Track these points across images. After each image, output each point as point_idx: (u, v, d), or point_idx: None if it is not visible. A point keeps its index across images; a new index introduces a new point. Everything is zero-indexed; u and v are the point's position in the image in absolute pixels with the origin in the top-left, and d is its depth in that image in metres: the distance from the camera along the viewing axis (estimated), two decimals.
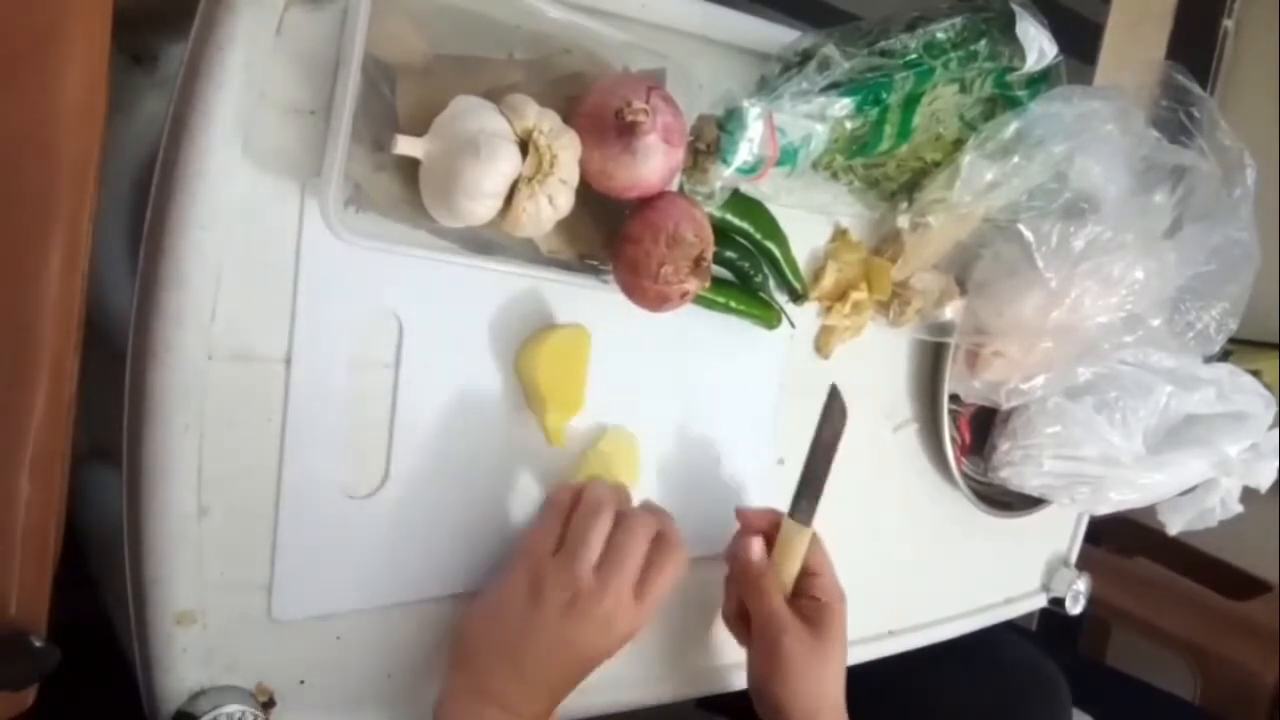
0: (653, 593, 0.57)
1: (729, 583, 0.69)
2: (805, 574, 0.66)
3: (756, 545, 0.65)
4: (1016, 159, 0.67)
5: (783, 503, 0.74)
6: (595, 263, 0.57)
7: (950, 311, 0.76)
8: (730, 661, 0.73)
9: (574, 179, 0.51)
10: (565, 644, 0.55)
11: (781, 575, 0.65)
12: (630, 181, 0.52)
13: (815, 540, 0.67)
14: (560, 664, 0.55)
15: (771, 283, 0.68)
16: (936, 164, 0.69)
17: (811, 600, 0.66)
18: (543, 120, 0.49)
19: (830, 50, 0.59)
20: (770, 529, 0.67)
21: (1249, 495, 0.91)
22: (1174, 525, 0.92)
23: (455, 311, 0.56)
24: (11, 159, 0.44)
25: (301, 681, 0.55)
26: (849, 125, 0.60)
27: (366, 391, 0.54)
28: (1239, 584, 1.57)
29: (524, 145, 0.48)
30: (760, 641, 0.65)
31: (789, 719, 0.63)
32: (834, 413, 0.66)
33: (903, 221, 0.71)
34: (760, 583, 0.65)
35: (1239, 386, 0.89)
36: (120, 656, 0.54)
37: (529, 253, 0.55)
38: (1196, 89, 0.75)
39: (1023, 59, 0.66)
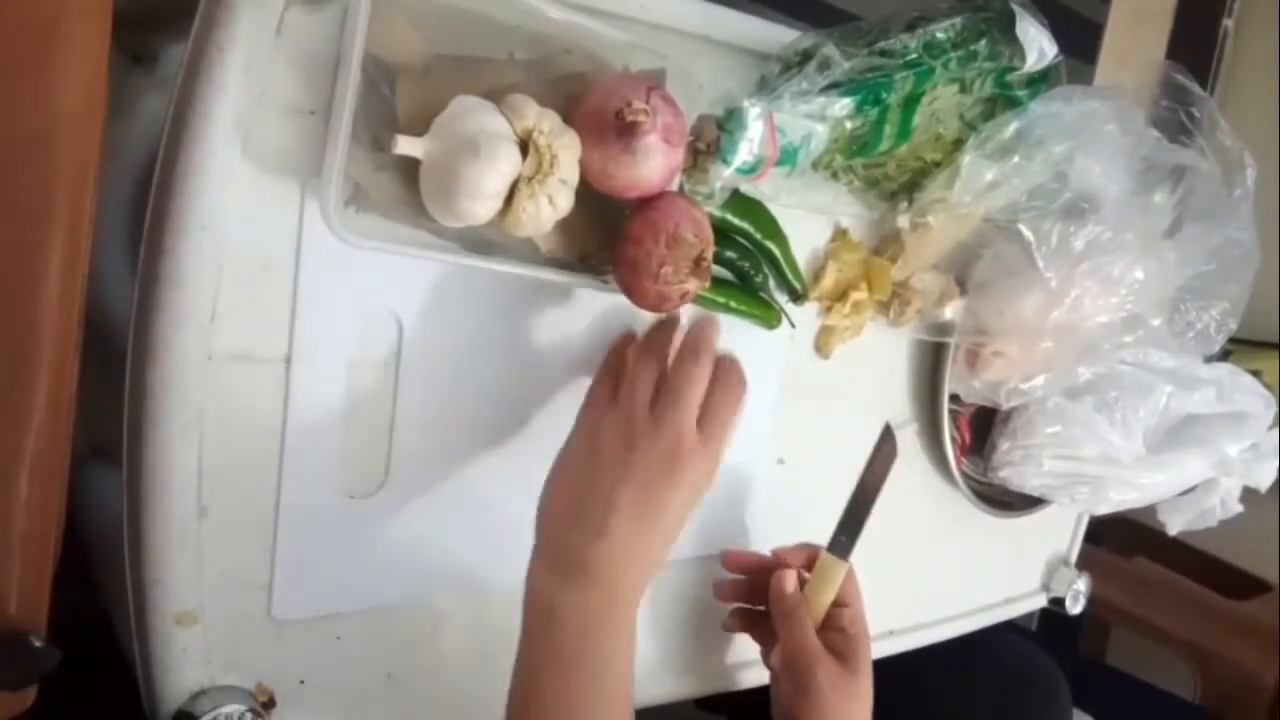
0: (715, 427, 0.55)
1: (725, 593, 0.69)
2: (835, 605, 0.67)
3: (790, 578, 0.66)
4: (1016, 159, 0.66)
5: (782, 502, 0.75)
6: (595, 263, 0.57)
7: (950, 311, 0.76)
8: (730, 661, 0.73)
9: (574, 179, 0.51)
10: (634, 492, 0.52)
11: (815, 605, 0.66)
12: (630, 181, 0.52)
13: (849, 573, 0.67)
14: (634, 517, 0.52)
15: (771, 283, 0.68)
16: (936, 164, 0.69)
17: (840, 633, 0.66)
18: (543, 120, 0.49)
19: (830, 50, 0.59)
20: (805, 564, 0.67)
21: (1249, 495, 0.91)
22: (1174, 525, 0.92)
23: (455, 311, 0.56)
24: (12, 160, 0.44)
25: (301, 681, 0.55)
26: (849, 125, 0.60)
27: (366, 391, 0.54)
28: (1239, 584, 1.57)
29: (524, 145, 0.48)
30: (791, 673, 0.64)
31: None
32: (885, 453, 0.66)
33: (903, 221, 0.71)
34: (794, 614, 0.65)
35: (1239, 386, 0.89)
36: (120, 656, 0.54)
37: (529, 253, 0.55)
38: (1196, 89, 0.75)
39: (1023, 59, 0.66)
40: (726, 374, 0.57)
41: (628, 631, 0.54)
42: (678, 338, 0.58)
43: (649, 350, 0.57)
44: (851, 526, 0.66)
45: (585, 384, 0.62)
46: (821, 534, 0.78)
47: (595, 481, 0.53)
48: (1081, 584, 1.02)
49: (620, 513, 0.52)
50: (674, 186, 0.55)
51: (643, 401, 0.54)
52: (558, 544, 0.53)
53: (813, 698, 0.63)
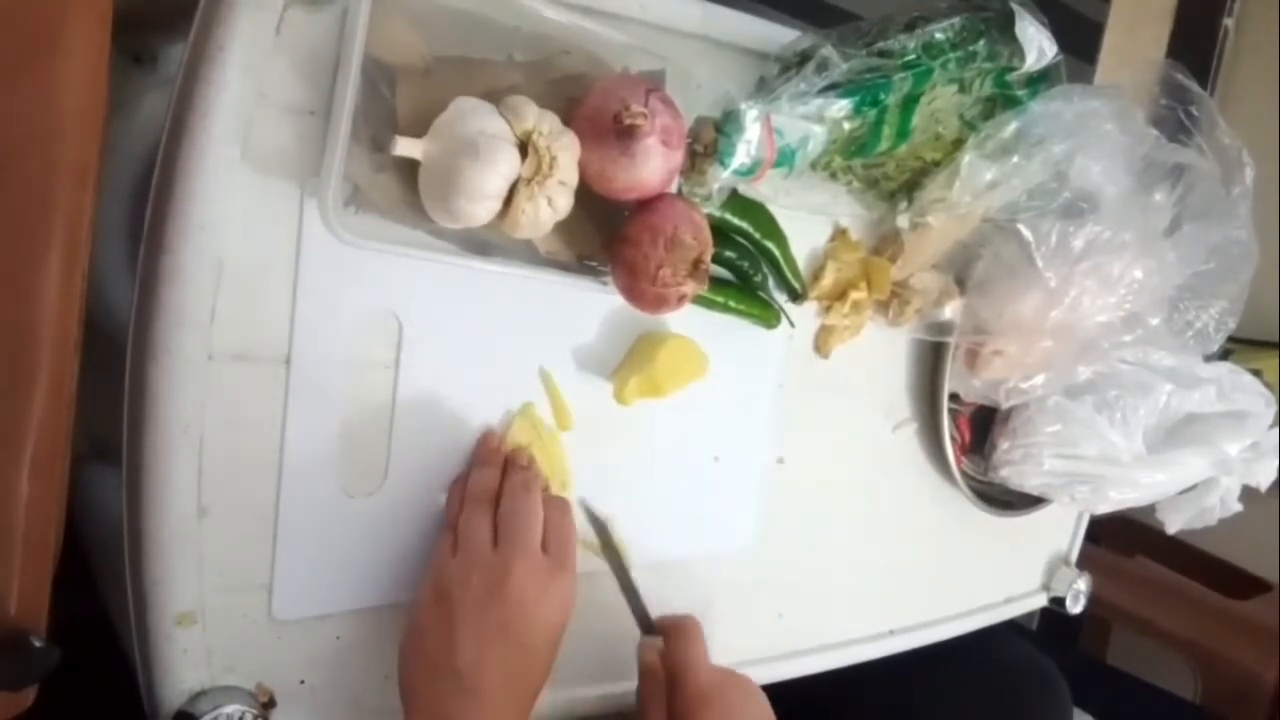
0: (562, 549, 0.55)
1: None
2: (671, 675, 0.60)
3: (650, 653, 0.61)
4: (1016, 158, 0.67)
5: (780, 502, 0.75)
6: (594, 264, 0.57)
7: (950, 311, 0.76)
8: (728, 662, 0.73)
9: (573, 181, 0.51)
10: (496, 634, 0.51)
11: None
12: (629, 184, 0.52)
13: (682, 632, 0.61)
14: (503, 660, 0.51)
15: (771, 282, 0.68)
16: (936, 164, 0.69)
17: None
18: (542, 122, 0.49)
19: (829, 51, 0.59)
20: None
21: (1249, 494, 0.91)
22: (1173, 524, 0.92)
23: (455, 311, 0.56)
24: (12, 160, 0.44)
25: (301, 681, 0.55)
26: (847, 126, 0.60)
27: (366, 391, 0.54)
28: (1239, 583, 1.57)
29: (523, 147, 0.48)
30: None
31: None
32: (600, 530, 0.63)
33: (902, 221, 0.71)
34: (647, 702, 0.60)
35: (1239, 385, 0.89)
36: (120, 656, 0.54)
37: (528, 254, 0.55)
38: (1196, 88, 0.75)
39: (1022, 58, 0.66)
40: (551, 498, 0.57)
41: None
42: (494, 473, 0.57)
43: (477, 494, 0.56)
44: (634, 604, 0.62)
45: (583, 384, 0.62)
46: (820, 532, 0.79)
47: (454, 634, 0.51)
48: (1082, 583, 1.02)
49: (493, 667, 0.51)
50: (673, 188, 0.55)
51: (484, 541, 0.53)
52: (429, 706, 0.51)
53: None
